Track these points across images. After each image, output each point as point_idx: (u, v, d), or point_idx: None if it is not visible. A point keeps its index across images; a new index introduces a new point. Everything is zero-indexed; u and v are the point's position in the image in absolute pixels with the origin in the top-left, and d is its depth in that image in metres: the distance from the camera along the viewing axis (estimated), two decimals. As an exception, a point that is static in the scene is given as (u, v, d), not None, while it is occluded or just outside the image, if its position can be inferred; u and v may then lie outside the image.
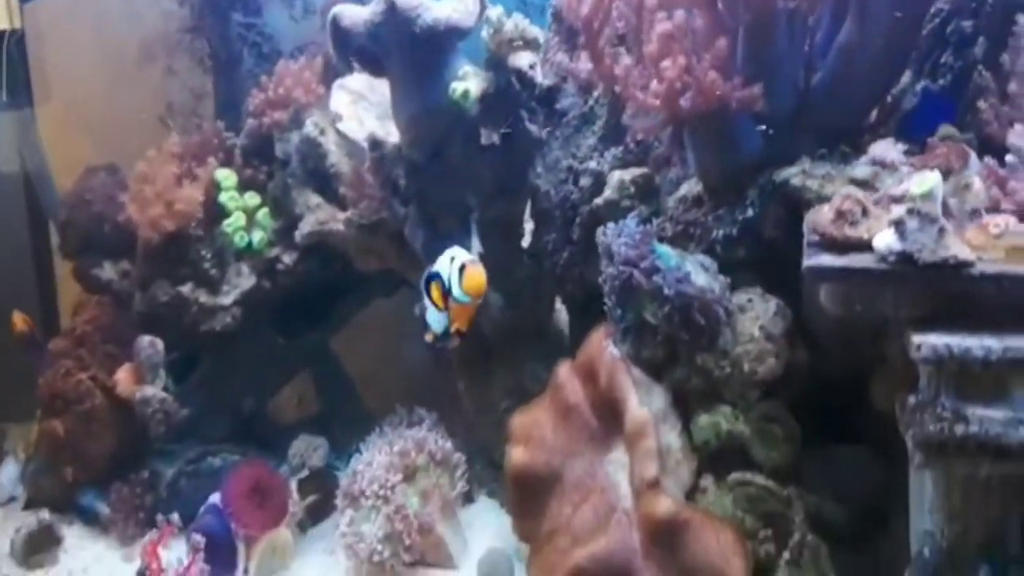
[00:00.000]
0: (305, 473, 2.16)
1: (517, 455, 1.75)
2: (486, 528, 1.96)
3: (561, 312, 2.02)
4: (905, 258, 1.13)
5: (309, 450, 2.12)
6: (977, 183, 1.26)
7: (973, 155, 1.32)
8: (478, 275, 1.36)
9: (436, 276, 1.47)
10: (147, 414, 2.12)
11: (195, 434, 2.21)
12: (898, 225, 1.12)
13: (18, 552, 2.13)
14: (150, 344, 2.14)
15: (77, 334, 2.19)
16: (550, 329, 1.98)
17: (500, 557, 1.84)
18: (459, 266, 1.38)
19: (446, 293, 1.44)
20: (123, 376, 2.16)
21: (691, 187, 1.68)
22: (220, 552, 1.98)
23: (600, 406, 1.71)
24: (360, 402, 2.44)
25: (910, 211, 1.11)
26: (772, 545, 1.54)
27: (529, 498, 1.75)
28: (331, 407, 2.41)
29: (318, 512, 2.18)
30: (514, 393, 1.92)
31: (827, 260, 1.19)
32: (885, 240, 1.14)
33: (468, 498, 2.01)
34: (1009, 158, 1.27)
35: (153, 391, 2.12)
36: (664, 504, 1.54)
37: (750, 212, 1.57)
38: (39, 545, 2.14)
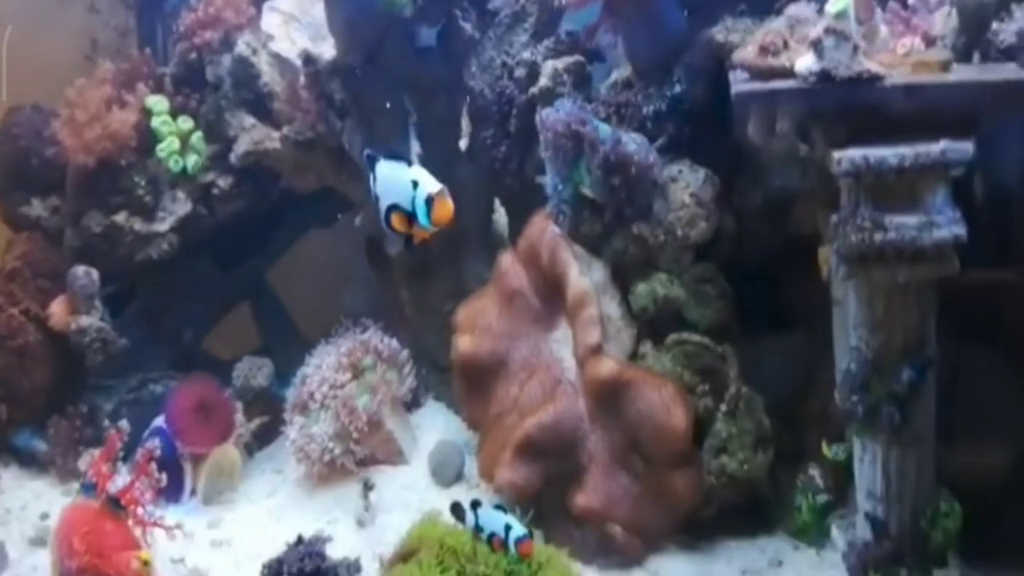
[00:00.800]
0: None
1: (463, 344, 1.81)
2: (435, 428, 2.00)
3: (500, 214, 2.08)
4: (824, 76, 1.23)
5: (253, 370, 2.10)
6: (883, 30, 1.37)
7: (878, 9, 1.43)
8: (447, 207, 1.32)
9: (395, 208, 1.42)
10: (84, 344, 2.08)
11: (134, 368, 2.18)
12: (816, 45, 1.22)
13: (-52, 495, 2.06)
14: (84, 274, 2.10)
15: (7, 270, 2.13)
16: (490, 230, 2.04)
17: (450, 448, 1.89)
18: (426, 198, 1.34)
19: (409, 218, 1.38)
20: (57, 308, 2.11)
21: (621, 72, 1.78)
22: (167, 473, 1.96)
23: (543, 287, 1.78)
24: (299, 334, 2.42)
25: (827, 30, 1.20)
26: (710, 399, 1.65)
27: (476, 385, 1.82)
28: (270, 340, 2.40)
29: (264, 435, 2.18)
30: (456, 295, 1.97)
31: (754, 87, 1.28)
32: (805, 63, 1.24)
33: (415, 402, 2.04)
34: (911, 1, 1.39)
35: (89, 320, 2.08)
36: (607, 366, 1.62)
37: (677, 88, 1.67)
38: (-29, 485, 2.08)
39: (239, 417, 2.07)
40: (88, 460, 1.75)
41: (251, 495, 2.02)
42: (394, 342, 1.95)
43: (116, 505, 1.70)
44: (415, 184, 1.34)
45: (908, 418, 1.31)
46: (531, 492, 1.66)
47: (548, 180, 1.69)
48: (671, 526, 1.66)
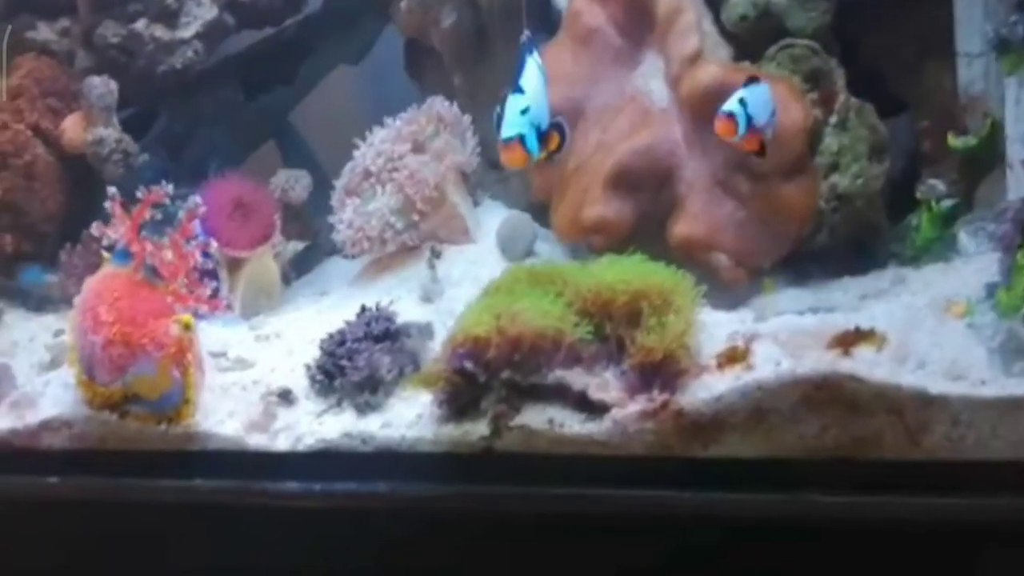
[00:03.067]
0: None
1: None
2: (497, 219, 1.78)
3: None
4: None
5: (291, 182, 1.90)
6: None
7: None
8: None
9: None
10: (102, 157, 1.88)
11: (156, 192, 1.98)
12: None
13: (-53, 328, 1.84)
14: (102, 83, 1.90)
15: (12, 88, 1.94)
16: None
17: (519, 220, 1.69)
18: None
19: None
20: (71, 123, 1.91)
21: None
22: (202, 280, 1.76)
23: (624, 18, 1.61)
24: (329, 183, 2.25)
25: None
26: (819, 110, 1.48)
27: (550, 143, 1.64)
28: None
29: (302, 262, 1.98)
30: (517, 76, 1.80)
31: None
32: None
33: (474, 201, 1.84)
34: None
35: (108, 131, 1.89)
36: (710, 70, 1.46)
37: None
38: (-27, 320, 1.86)
39: (278, 230, 1.88)
40: (120, 226, 1.53)
41: (297, 307, 1.80)
42: (455, 108, 1.75)
43: (155, 274, 1.50)
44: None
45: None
46: (625, 229, 1.48)
47: None
48: (781, 251, 1.47)
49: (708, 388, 1.20)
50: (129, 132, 1.98)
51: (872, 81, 1.55)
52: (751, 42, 1.52)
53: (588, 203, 1.48)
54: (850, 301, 1.39)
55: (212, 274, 1.78)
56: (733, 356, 1.19)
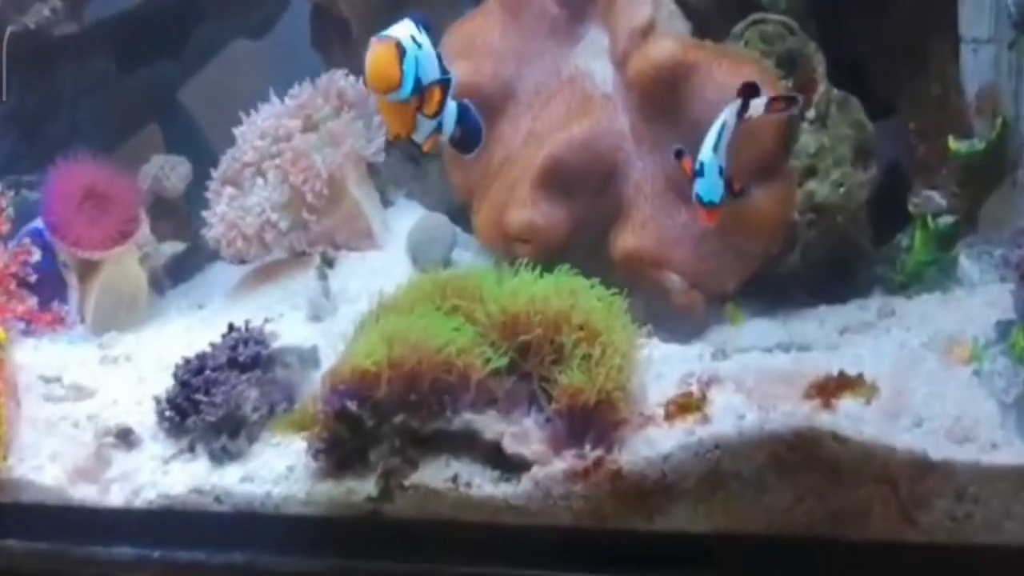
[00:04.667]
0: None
1: (456, 71, 1.35)
2: (408, 225, 1.47)
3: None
4: None
5: (166, 170, 1.59)
6: None
7: None
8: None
9: None
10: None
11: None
12: None
13: None
14: (-70, 42, 1.59)
15: None
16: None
17: (436, 223, 1.40)
18: None
19: None
20: None
21: None
22: (44, 288, 1.44)
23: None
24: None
25: None
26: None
27: (473, 129, 1.37)
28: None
29: (179, 267, 1.66)
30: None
31: None
32: None
33: (383, 201, 1.55)
34: None
35: (-62, 106, 1.57)
36: (664, 46, 1.19)
37: None
38: None
39: (145, 228, 1.55)
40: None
41: (164, 322, 1.49)
42: (360, 84, 1.44)
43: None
44: None
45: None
46: (557, 237, 1.21)
47: None
48: (746, 272, 1.22)
49: (653, 444, 0.95)
50: (-29, 105, 1.67)
51: (857, 70, 1.32)
52: (714, 16, 1.29)
53: (514, 204, 1.21)
54: (828, 336, 1.16)
55: (55, 278, 1.49)
56: (686, 405, 0.94)
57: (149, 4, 1.85)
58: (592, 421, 0.97)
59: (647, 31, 1.21)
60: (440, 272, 1.16)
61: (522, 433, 1.00)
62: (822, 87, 1.22)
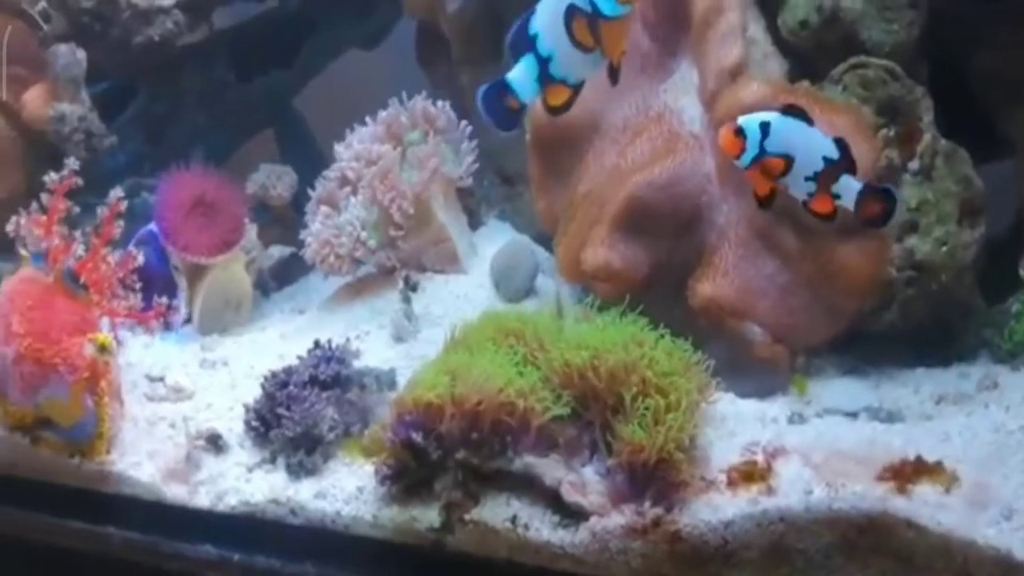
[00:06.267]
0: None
1: (543, 101, 1.35)
2: (496, 248, 1.50)
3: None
4: None
5: (272, 179, 1.67)
6: None
7: None
8: None
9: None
10: (63, 135, 1.67)
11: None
12: None
13: None
14: (69, 51, 1.69)
15: (-23, 51, 1.76)
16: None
17: (520, 250, 1.42)
18: None
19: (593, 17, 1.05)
20: (33, 96, 1.70)
21: None
22: (158, 287, 1.52)
23: (655, 17, 1.30)
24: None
25: None
26: (895, 151, 1.16)
27: (557, 160, 1.34)
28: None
29: (285, 271, 1.73)
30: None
31: None
32: None
33: (475, 220, 1.59)
34: None
35: (72, 107, 1.68)
36: (753, 89, 1.15)
37: None
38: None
39: (251, 234, 1.62)
40: (36, 222, 1.31)
41: (264, 326, 1.57)
42: (450, 110, 1.48)
43: (74, 281, 1.29)
44: None
45: None
46: (634, 280, 1.19)
47: None
48: (835, 328, 1.17)
49: (715, 509, 0.94)
50: (105, 109, 1.78)
51: (971, 116, 1.24)
52: (813, 56, 1.23)
53: (592, 243, 1.20)
54: (922, 404, 1.10)
55: (168, 282, 1.59)
56: (749, 474, 0.92)
57: (265, 15, 1.93)
58: (652, 479, 0.96)
59: (737, 72, 1.17)
60: (508, 312, 1.17)
61: (581, 483, 1.00)
62: (928, 137, 1.15)
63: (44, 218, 1.31)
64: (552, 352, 1.00)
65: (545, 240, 1.52)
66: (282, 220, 1.71)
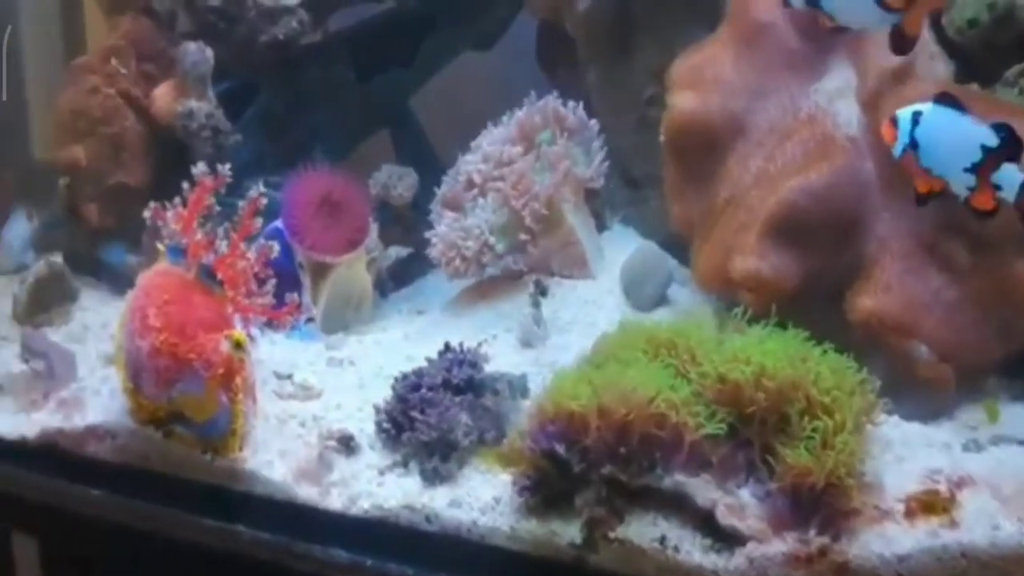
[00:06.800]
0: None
1: (683, 100, 1.28)
2: (623, 254, 1.46)
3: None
4: None
5: (393, 179, 1.66)
6: None
7: None
8: None
9: None
10: (191, 131, 1.69)
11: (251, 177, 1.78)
12: None
13: (21, 306, 1.69)
14: (197, 50, 1.71)
15: (107, 48, 1.78)
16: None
17: (652, 257, 1.37)
18: None
19: None
20: (162, 92, 1.74)
21: None
22: (282, 283, 1.53)
23: (808, 15, 1.25)
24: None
25: None
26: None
27: (697, 163, 1.29)
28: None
29: (403, 271, 1.73)
30: (662, 77, 1.48)
31: None
32: None
33: (599, 225, 1.55)
34: None
35: (199, 104, 1.71)
36: (921, 91, 1.07)
37: None
38: (48, 298, 1.71)
39: (373, 233, 1.61)
40: (175, 216, 1.33)
41: (385, 326, 1.57)
42: (581, 111, 1.45)
43: (210, 277, 1.30)
44: None
45: None
46: (785, 290, 1.13)
47: None
48: (1004, 352, 1.09)
49: (889, 541, 0.88)
50: (227, 107, 1.80)
51: None
52: (982, 57, 1.16)
53: (740, 250, 1.15)
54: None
55: (293, 279, 1.59)
56: (930, 504, 0.86)
57: (384, 15, 1.92)
58: (819, 505, 0.91)
59: (903, 73, 1.11)
60: (652, 320, 1.13)
61: (738, 505, 0.95)
62: None
63: (183, 212, 1.33)
64: (707, 365, 0.96)
65: (671, 246, 1.47)
66: (402, 220, 1.70)
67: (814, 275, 1.15)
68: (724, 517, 0.95)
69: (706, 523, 0.97)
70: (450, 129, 2.00)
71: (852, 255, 1.14)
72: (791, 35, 1.24)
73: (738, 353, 0.95)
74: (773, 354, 0.95)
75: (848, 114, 1.18)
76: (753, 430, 0.97)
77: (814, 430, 0.89)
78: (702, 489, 0.97)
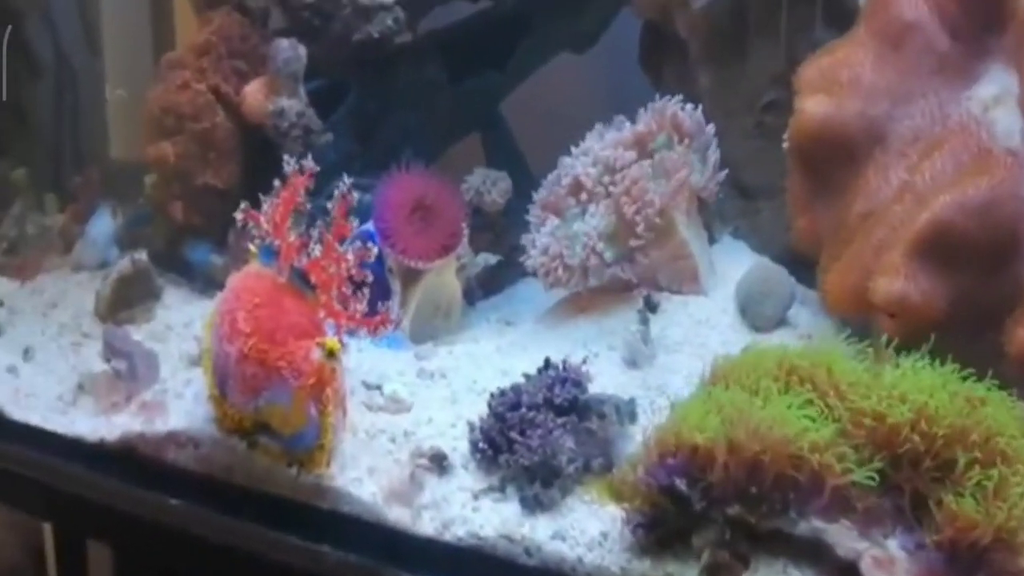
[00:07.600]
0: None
1: (813, 105, 1.17)
2: (736, 268, 1.37)
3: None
4: None
5: (487, 184, 1.59)
6: None
7: None
8: None
9: None
10: (282, 130, 1.65)
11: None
12: None
13: (104, 303, 1.67)
14: (290, 47, 1.67)
15: (198, 44, 1.75)
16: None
17: (772, 275, 1.27)
18: None
19: None
20: (253, 89, 1.69)
21: None
22: (371, 289, 1.49)
23: (958, 12, 1.12)
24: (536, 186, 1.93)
25: None
26: None
27: (827, 172, 1.18)
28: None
29: (492, 279, 1.65)
30: (782, 81, 1.38)
31: None
32: None
33: (709, 238, 1.44)
34: None
35: (290, 103, 1.67)
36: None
37: None
38: (131, 295, 1.69)
39: (465, 240, 1.55)
40: (266, 216, 1.28)
41: (475, 336, 1.50)
42: (699, 114, 1.35)
43: (303, 281, 1.24)
44: None
45: None
46: (933, 317, 1.02)
47: None
48: None
49: (1068, 610, 0.77)
50: (316, 106, 1.75)
51: None
52: None
53: (883, 271, 1.04)
54: None
55: (383, 286, 1.53)
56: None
57: (479, 16, 1.86)
58: (983, 563, 0.81)
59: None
60: (775, 343, 1.03)
61: (887, 559, 0.85)
62: None
63: (274, 211, 1.27)
64: (857, 402, 0.86)
65: (786, 261, 1.37)
66: (493, 227, 1.64)
67: (963, 301, 1.03)
68: (870, 570, 0.84)
69: (845, 575, 0.88)
70: (537, 133, 1.94)
71: (1010, 280, 1.02)
72: (940, 35, 1.13)
73: (894, 389, 0.85)
74: (930, 390, 0.85)
75: (1008, 124, 1.06)
76: (903, 475, 0.87)
77: (986, 478, 0.79)
78: (843, 537, 0.87)
